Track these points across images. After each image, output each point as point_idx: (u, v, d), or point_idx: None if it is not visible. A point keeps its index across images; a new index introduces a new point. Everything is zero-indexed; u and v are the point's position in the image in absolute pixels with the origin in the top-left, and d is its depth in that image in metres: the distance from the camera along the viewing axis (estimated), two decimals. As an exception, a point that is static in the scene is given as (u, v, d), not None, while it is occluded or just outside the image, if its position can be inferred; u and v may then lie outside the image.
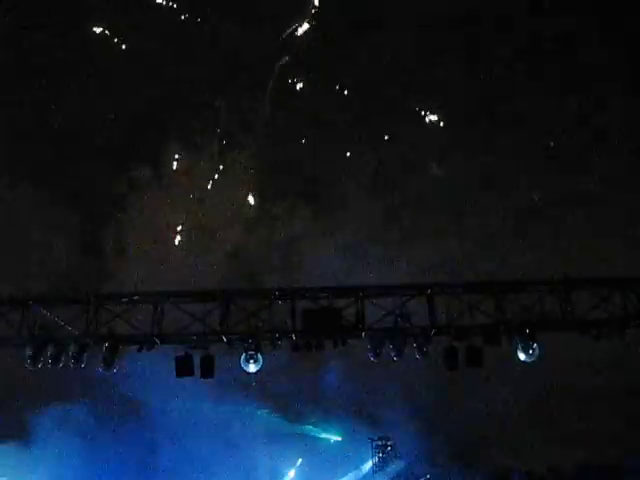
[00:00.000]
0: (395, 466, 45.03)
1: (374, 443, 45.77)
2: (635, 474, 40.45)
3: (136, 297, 17.49)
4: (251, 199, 46.30)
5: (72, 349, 17.07)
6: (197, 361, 16.69)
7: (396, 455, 45.15)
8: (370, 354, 16.23)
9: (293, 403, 46.96)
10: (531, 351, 17.04)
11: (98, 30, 41.39)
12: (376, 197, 42.83)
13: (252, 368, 15.93)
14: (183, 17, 42.02)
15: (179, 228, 45.48)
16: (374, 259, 41.92)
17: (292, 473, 45.39)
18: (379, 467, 45.31)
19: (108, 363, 17.34)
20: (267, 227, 45.47)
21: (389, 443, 45.54)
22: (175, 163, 45.37)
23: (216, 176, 46.09)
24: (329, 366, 40.35)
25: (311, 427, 47.14)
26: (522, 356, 17.09)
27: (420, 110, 42.75)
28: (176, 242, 45.11)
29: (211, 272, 40.16)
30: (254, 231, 46.34)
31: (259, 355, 15.81)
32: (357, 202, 43.29)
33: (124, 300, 17.50)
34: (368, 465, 46.29)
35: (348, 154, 43.62)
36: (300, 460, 44.88)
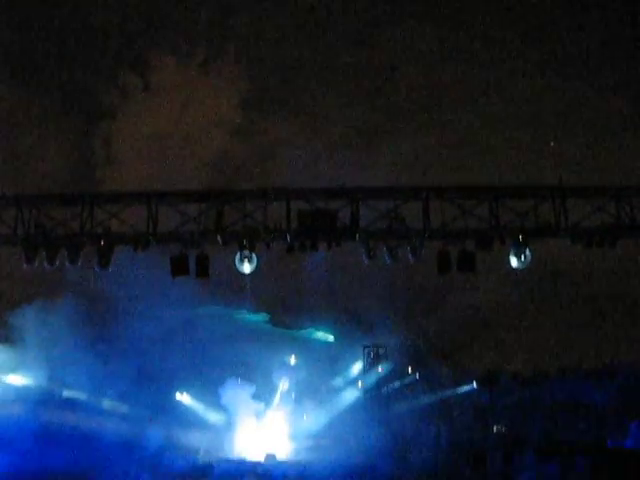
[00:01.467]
0: (385, 367, 46.24)
1: (366, 350, 46.89)
2: (618, 378, 41.73)
3: (131, 197, 17.48)
4: (236, 106, 45.97)
5: (67, 248, 17.12)
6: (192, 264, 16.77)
7: (387, 358, 46.32)
8: (364, 256, 16.36)
9: (286, 305, 47.81)
10: (523, 257, 17.18)
11: None
12: (361, 102, 42.55)
13: (246, 268, 16.03)
14: None
15: (166, 134, 45.32)
16: (359, 162, 41.94)
17: (287, 374, 46.51)
18: (369, 368, 46.55)
19: (104, 263, 17.44)
20: (252, 134, 45.37)
21: (380, 351, 46.67)
22: (162, 71, 44.84)
23: (202, 83, 45.68)
24: (321, 269, 40.84)
25: (303, 329, 48.10)
26: (514, 262, 17.26)
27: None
28: (164, 148, 44.97)
29: (196, 179, 40.16)
30: (239, 138, 46.26)
31: (253, 255, 15.89)
32: (341, 109, 43.05)
33: (119, 200, 17.48)
34: (359, 366, 47.54)
35: (333, 60, 43.02)
36: (293, 360, 45.96)
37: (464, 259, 16.52)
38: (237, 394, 43.69)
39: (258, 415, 45.07)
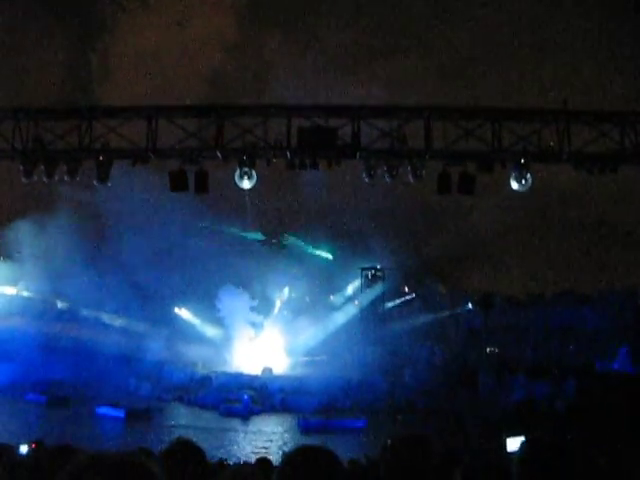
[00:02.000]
0: (382, 288, 46.80)
1: (364, 272, 47.38)
2: (611, 304, 42.32)
3: (130, 111, 17.26)
4: (233, 22, 45.09)
5: (66, 163, 17.02)
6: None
7: (384, 281, 46.88)
8: (364, 175, 16.28)
9: (285, 221, 48.00)
10: (524, 181, 17.09)
11: None
12: (362, 20, 41.76)
13: (246, 184, 15.95)
14: None
15: (163, 50, 44.64)
16: (359, 81, 41.38)
17: (286, 287, 46.99)
18: (367, 286, 47.11)
19: (103, 178, 17.35)
20: (247, 50, 44.64)
21: (378, 274, 47.14)
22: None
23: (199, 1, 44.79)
24: (320, 189, 40.85)
25: (303, 243, 48.27)
26: (515, 185, 17.17)
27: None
28: (160, 64, 44.35)
29: (193, 95, 39.69)
30: (235, 54, 45.54)
31: (253, 172, 15.79)
32: (340, 26, 42.24)
33: (118, 114, 17.26)
34: (356, 285, 48.11)
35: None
36: (291, 277, 46.34)
37: (464, 181, 16.42)
38: (234, 302, 44.06)
39: (255, 327, 45.74)
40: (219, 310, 44.82)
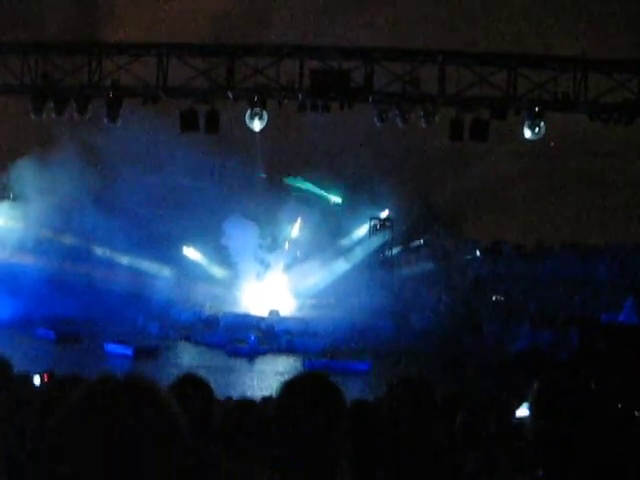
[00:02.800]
0: (390, 232, 46.80)
1: (372, 221, 47.33)
2: (619, 256, 42.24)
3: (141, 48, 17.05)
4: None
5: (76, 100, 16.88)
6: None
7: (392, 229, 46.89)
8: (376, 119, 16.09)
9: (294, 164, 47.72)
10: (537, 129, 16.89)
11: None
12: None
13: (257, 125, 15.80)
14: None
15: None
16: (373, 23, 40.62)
17: (294, 229, 46.93)
18: (375, 232, 47.11)
19: (112, 116, 17.23)
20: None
21: (387, 223, 47.11)
22: None
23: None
24: (331, 132, 40.43)
25: (312, 184, 47.99)
26: (528, 133, 16.98)
27: None
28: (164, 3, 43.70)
29: (202, 35, 39.03)
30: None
31: (264, 112, 15.63)
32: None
33: (128, 51, 17.05)
34: (365, 230, 48.08)
35: None
36: (300, 219, 46.28)
37: (477, 127, 16.23)
38: (241, 236, 43.86)
39: (263, 265, 45.79)
40: (227, 247, 44.80)
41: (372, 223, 47.49)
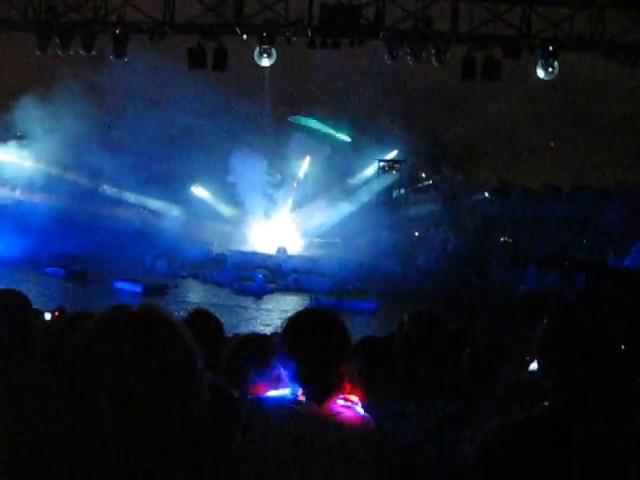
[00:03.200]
0: (398, 173, 46.54)
1: (380, 163, 47.01)
2: (628, 200, 41.98)
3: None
4: None
5: (82, 36, 16.62)
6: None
7: (400, 172, 46.66)
8: (387, 56, 15.79)
9: (302, 99, 47.07)
10: (551, 69, 16.59)
11: None
12: None
13: (265, 62, 15.57)
14: None
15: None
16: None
17: (302, 167, 46.62)
18: (383, 173, 46.87)
19: (120, 52, 16.99)
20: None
21: (395, 165, 46.78)
22: None
23: None
24: (340, 70, 39.74)
25: (319, 122, 47.46)
26: (541, 73, 16.69)
27: None
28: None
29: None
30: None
31: (273, 49, 15.38)
32: None
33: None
34: (372, 170, 47.80)
35: None
36: (308, 157, 45.95)
37: (490, 66, 15.95)
38: (249, 170, 43.53)
39: (271, 201, 45.68)
40: (234, 184, 44.63)
41: (380, 164, 47.23)
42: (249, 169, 43.32)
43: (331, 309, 2.77)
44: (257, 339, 4.01)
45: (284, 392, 2.62)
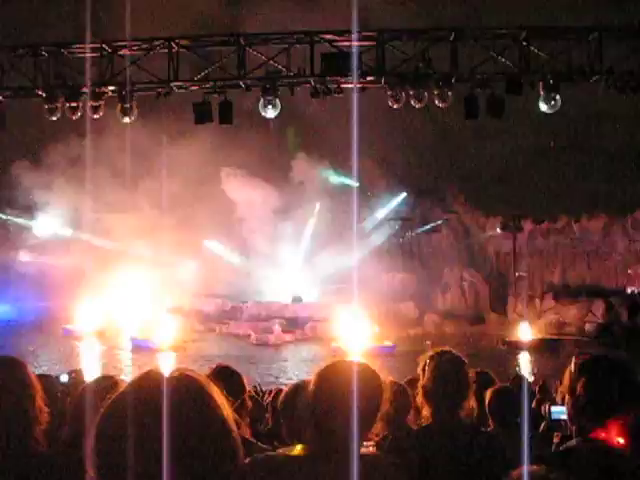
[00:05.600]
0: (411, 214, 46.51)
1: (391, 203, 47.14)
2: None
3: (151, 41, 17.04)
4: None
5: (88, 98, 16.91)
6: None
7: (413, 208, 46.72)
8: (390, 100, 15.93)
9: (310, 146, 47.45)
10: (553, 102, 16.68)
11: None
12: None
13: (270, 113, 15.77)
14: None
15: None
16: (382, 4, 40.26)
17: (313, 215, 46.69)
18: (395, 215, 46.86)
19: (127, 112, 17.24)
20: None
21: (405, 207, 46.92)
22: None
23: None
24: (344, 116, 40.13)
25: (329, 170, 47.66)
26: (543, 107, 16.78)
27: None
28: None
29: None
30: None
31: (277, 100, 15.59)
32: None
33: (138, 46, 17.04)
34: (384, 213, 47.80)
35: None
36: (318, 205, 46.06)
37: (493, 103, 16.07)
38: (259, 224, 43.72)
39: (284, 253, 45.60)
40: (247, 238, 44.84)
41: (391, 205, 47.35)
42: (259, 219, 43.62)
43: (362, 362, 2.66)
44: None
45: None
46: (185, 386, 1.51)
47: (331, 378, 2.51)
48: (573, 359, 2.72)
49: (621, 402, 2.54)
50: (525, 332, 33.42)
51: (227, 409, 1.54)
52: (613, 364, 2.65)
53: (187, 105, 17.25)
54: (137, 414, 1.45)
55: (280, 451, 2.66)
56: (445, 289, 42.02)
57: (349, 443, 2.36)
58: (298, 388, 3.78)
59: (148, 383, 1.51)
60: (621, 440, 2.47)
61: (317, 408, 2.46)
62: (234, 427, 1.54)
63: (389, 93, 15.74)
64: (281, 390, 4.36)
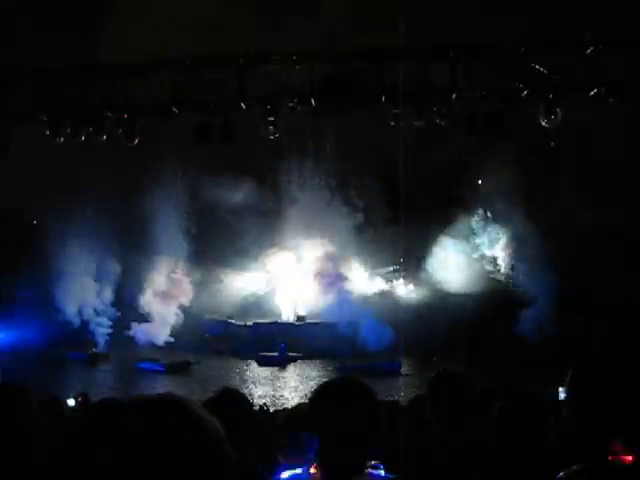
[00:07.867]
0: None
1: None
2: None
3: (149, 65, 17.18)
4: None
5: (90, 122, 17.01)
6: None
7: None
8: (391, 120, 15.97)
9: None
10: (553, 116, 16.72)
11: None
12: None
13: (271, 134, 15.85)
14: None
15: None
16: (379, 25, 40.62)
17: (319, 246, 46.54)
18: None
19: (130, 136, 17.33)
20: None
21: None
22: None
23: None
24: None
25: None
26: (544, 121, 16.81)
27: None
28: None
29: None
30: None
31: (278, 120, 15.66)
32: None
33: (138, 70, 17.17)
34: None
35: None
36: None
37: (493, 119, 16.10)
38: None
39: (287, 273, 45.65)
40: (251, 263, 45.01)
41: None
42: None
43: (359, 381, 2.64)
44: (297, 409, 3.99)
45: (297, 472, 2.58)
46: (164, 412, 1.51)
47: (324, 397, 2.52)
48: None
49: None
50: None
51: (215, 432, 1.53)
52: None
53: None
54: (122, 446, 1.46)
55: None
56: (451, 308, 41.85)
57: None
58: (300, 406, 3.78)
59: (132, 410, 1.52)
60: None
61: (313, 425, 2.48)
62: (226, 451, 1.52)
63: (389, 111, 15.81)
64: (286, 409, 4.35)
